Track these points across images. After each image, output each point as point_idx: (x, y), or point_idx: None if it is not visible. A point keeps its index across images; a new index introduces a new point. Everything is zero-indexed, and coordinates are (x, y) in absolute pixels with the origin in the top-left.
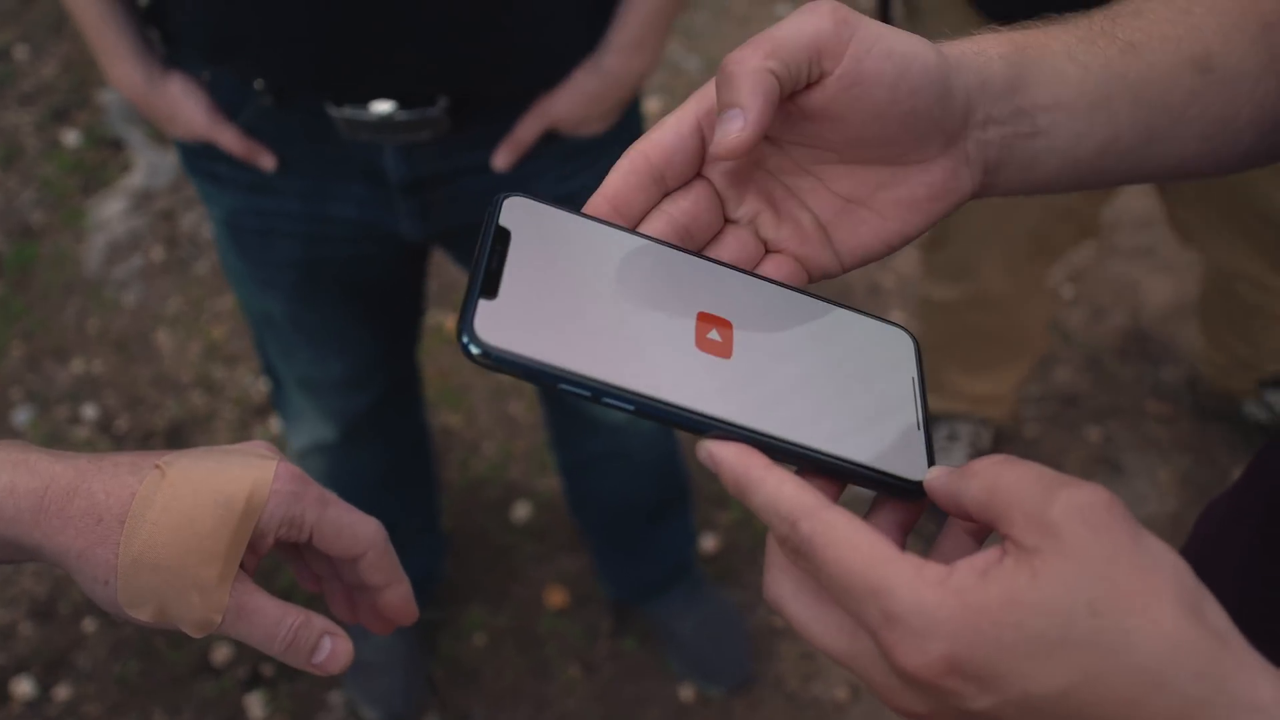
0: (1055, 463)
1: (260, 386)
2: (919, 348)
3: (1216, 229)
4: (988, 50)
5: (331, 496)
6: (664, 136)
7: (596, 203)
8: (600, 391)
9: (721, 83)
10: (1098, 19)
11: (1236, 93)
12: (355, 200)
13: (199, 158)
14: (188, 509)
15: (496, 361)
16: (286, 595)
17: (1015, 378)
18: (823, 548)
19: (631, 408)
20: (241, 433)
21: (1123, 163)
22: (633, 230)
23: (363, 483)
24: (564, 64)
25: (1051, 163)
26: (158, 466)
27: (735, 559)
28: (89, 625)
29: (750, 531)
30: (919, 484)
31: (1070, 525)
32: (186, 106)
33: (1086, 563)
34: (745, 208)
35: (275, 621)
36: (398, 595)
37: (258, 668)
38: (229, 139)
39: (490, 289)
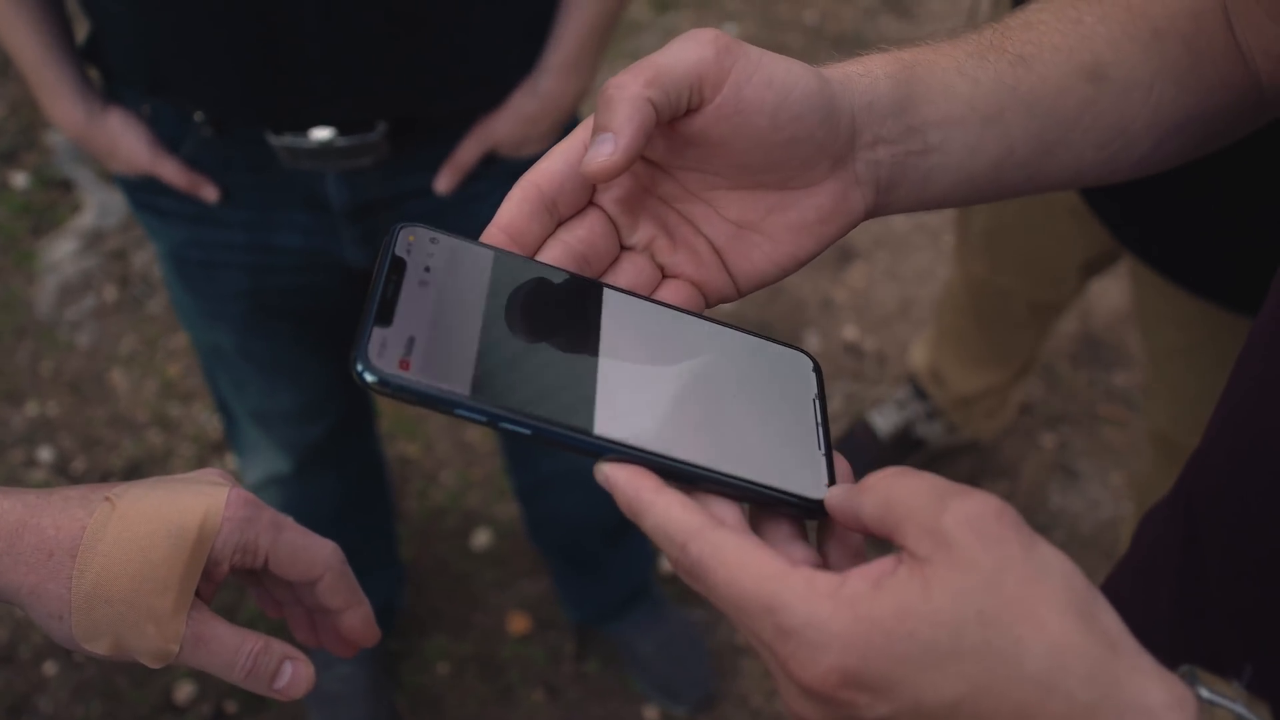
0: (1012, 470)
1: (217, 423)
2: (819, 371)
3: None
4: (874, 70)
5: (286, 520)
6: (554, 165)
7: (492, 233)
8: (496, 417)
9: (600, 106)
10: (988, 33)
11: (1130, 100)
12: (299, 228)
13: (142, 192)
14: (140, 540)
15: (391, 389)
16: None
17: (1006, 378)
18: (712, 569)
19: (528, 432)
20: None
21: (1020, 174)
22: (529, 258)
23: (319, 514)
24: (502, 87)
25: (946, 178)
26: (108, 499)
27: None
28: (50, 668)
29: None
30: (820, 502)
31: (961, 535)
32: (127, 140)
33: (976, 573)
34: (640, 234)
35: (234, 649)
36: (358, 617)
37: (221, 704)
38: (171, 171)
39: (385, 317)
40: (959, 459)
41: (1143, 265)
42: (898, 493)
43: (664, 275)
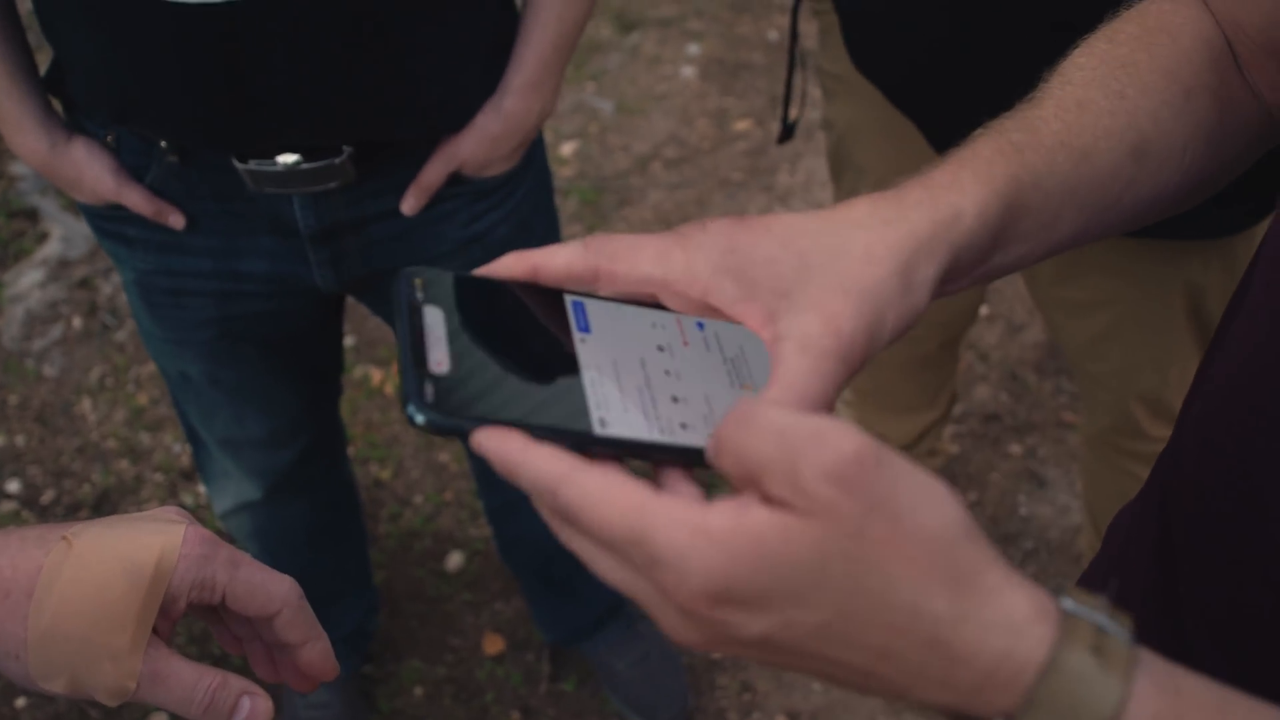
0: (980, 479)
1: (187, 451)
2: None
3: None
4: (988, 212)
5: (243, 557)
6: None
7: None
8: (541, 435)
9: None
10: (1053, 123)
11: (1166, 169)
12: (266, 254)
13: (107, 220)
14: (96, 578)
15: (448, 427)
16: (218, 662)
17: (937, 415)
18: (581, 509)
19: (566, 446)
20: (171, 498)
21: (1048, 255)
22: (527, 282)
23: (290, 541)
24: (465, 108)
25: (985, 273)
26: (65, 538)
27: None
28: (20, 702)
29: None
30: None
31: (820, 488)
32: (92, 170)
33: (839, 522)
34: None
35: (191, 685)
36: (316, 651)
37: None
38: (136, 199)
39: (420, 360)
40: None
41: None
42: (747, 449)
43: None
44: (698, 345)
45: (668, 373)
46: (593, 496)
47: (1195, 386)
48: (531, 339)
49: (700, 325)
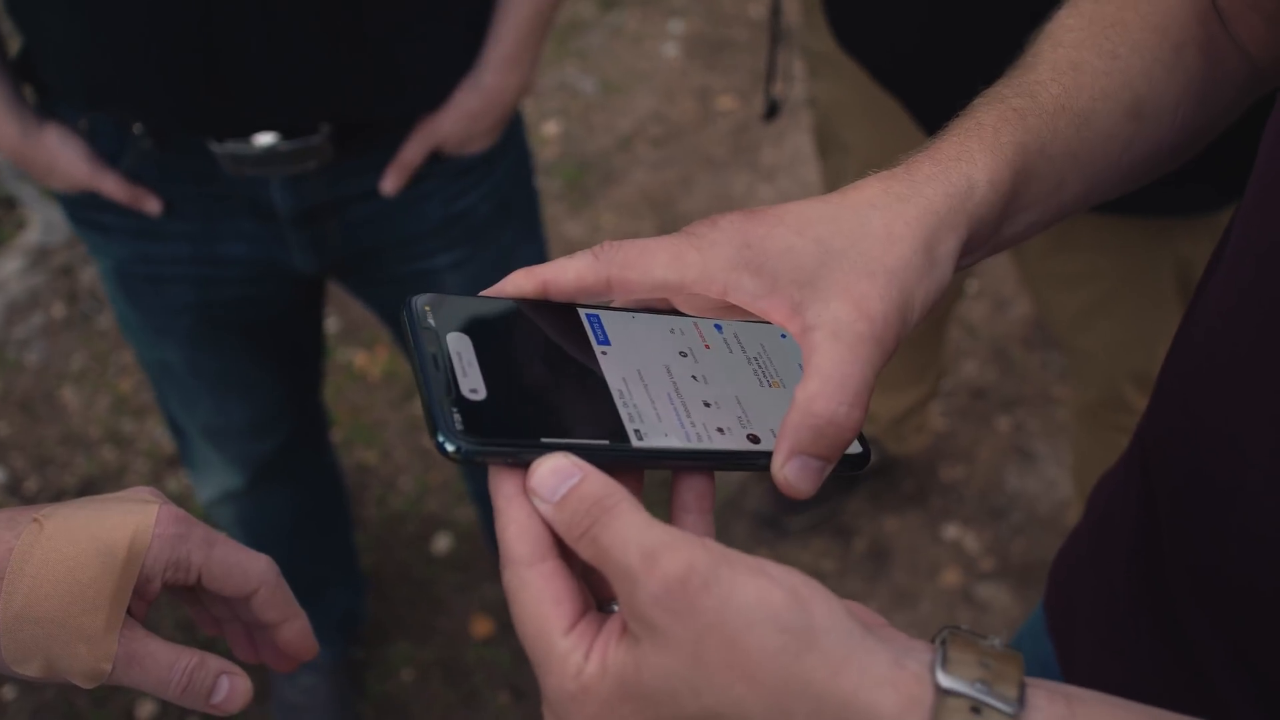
0: (969, 454)
1: (171, 437)
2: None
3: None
4: (999, 180)
5: (219, 536)
6: (567, 276)
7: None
8: (580, 454)
9: (814, 431)
10: (1052, 87)
11: (1160, 126)
12: (245, 237)
13: (83, 208)
14: (68, 560)
15: (484, 453)
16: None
17: (924, 392)
18: (511, 602)
19: (605, 461)
20: (155, 485)
21: (1054, 220)
22: (527, 300)
23: (275, 529)
24: (444, 85)
25: (995, 244)
26: (36, 520)
27: None
28: (8, 693)
29: None
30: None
31: (657, 616)
32: (65, 156)
33: (678, 650)
34: None
35: (168, 665)
36: (294, 630)
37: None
38: (111, 186)
39: (449, 386)
40: (900, 481)
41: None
42: (600, 556)
43: None
44: (720, 347)
45: (695, 378)
46: (520, 598)
47: (1175, 343)
48: (552, 357)
49: (718, 327)
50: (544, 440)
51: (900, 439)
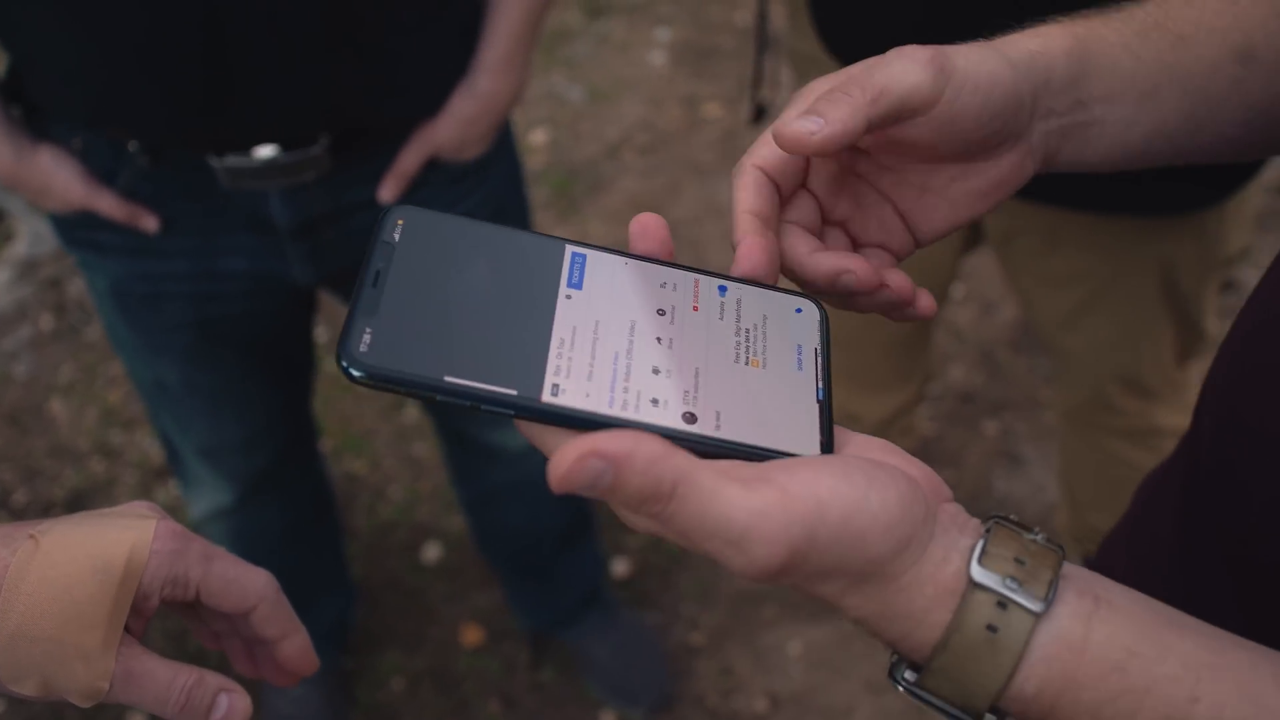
0: (956, 458)
1: (160, 449)
2: (825, 318)
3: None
4: (1052, 48)
5: (217, 551)
6: (774, 152)
7: (742, 215)
8: (477, 399)
9: (826, 96)
10: (1152, 10)
11: (1275, 81)
12: (244, 251)
13: (77, 228)
14: (65, 577)
15: (379, 378)
16: (196, 658)
17: (911, 395)
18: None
19: (511, 412)
20: (144, 496)
21: (1167, 146)
22: (527, 229)
23: (266, 542)
24: (439, 91)
25: (1102, 146)
26: (32, 536)
27: (648, 581)
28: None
29: (662, 553)
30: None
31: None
32: (60, 177)
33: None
34: (839, 211)
35: (166, 684)
36: (294, 646)
37: None
38: (108, 204)
39: (370, 307)
40: None
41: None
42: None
43: (855, 245)
44: (710, 312)
45: (659, 340)
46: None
47: (1224, 344)
48: (503, 293)
49: (722, 289)
50: (446, 379)
51: None
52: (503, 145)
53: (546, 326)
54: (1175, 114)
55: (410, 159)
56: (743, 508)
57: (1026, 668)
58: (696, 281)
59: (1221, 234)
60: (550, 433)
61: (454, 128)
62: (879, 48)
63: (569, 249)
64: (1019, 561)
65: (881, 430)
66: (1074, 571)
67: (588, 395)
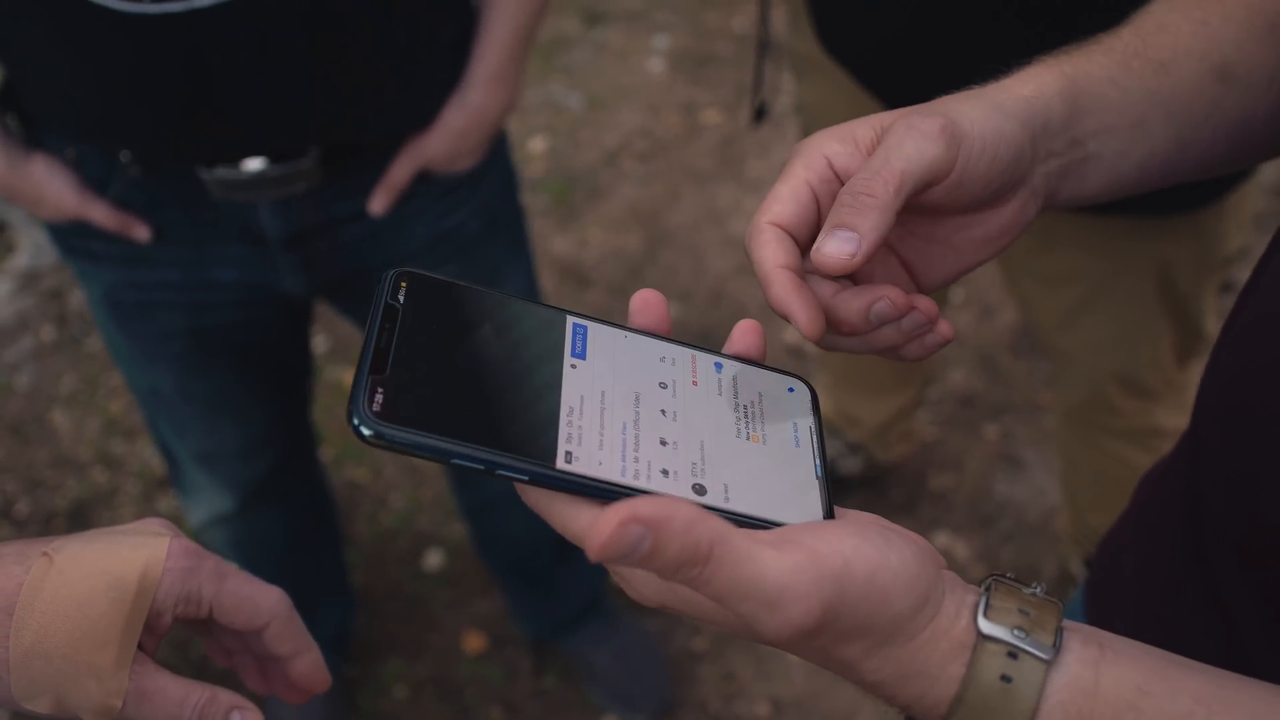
0: (957, 463)
1: (162, 458)
2: (816, 398)
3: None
4: (1046, 91)
5: (230, 568)
6: (787, 209)
7: (774, 271)
8: (493, 465)
9: (849, 203)
10: (1129, 39)
11: (1252, 96)
12: (235, 262)
13: (72, 237)
14: (78, 595)
15: (391, 440)
16: (200, 668)
17: (909, 399)
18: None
19: (526, 478)
20: (146, 506)
21: (1159, 170)
22: (520, 296)
23: (267, 550)
24: (430, 104)
25: (1099, 178)
26: (46, 554)
27: None
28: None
29: None
30: None
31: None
32: (53, 186)
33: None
34: None
35: (179, 701)
36: (307, 663)
37: None
38: (100, 214)
39: (379, 366)
40: (889, 490)
41: None
42: (727, 578)
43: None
44: (709, 387)
45: (663, 412)
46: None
47: (1222, 336)
48: (510, 360)
49: (718, 365)
50: (463, 446)
51: (886, 446)
52: (496, 155)
53: (555, 395)
54: (1163, 139)
55: (401, 171)
56: (776, 568)
57: (1043, 715)
58: (693, 357)
59: (1219, 234)
60: (559, 500)
61: (445, 140)
62: (875, 49)
63: (570, 320)
64: (1023, 613)
65: (881, 433)
66: (1074, 624)
67: (600, 464)
